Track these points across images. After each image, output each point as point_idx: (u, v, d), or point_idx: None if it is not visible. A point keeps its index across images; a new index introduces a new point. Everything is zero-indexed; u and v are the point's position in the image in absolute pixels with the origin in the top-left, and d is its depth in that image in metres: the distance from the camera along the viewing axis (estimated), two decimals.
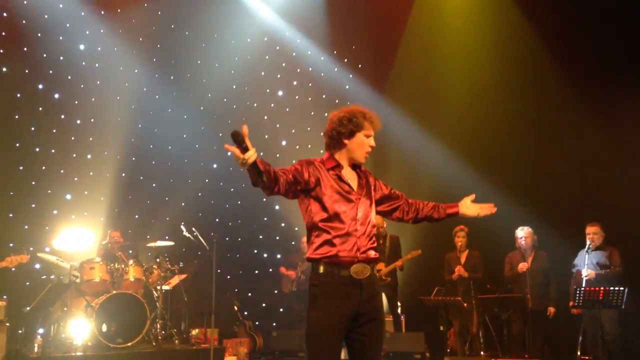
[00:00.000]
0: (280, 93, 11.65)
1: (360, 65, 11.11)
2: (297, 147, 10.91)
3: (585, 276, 6.81)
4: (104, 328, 7.05)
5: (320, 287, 3.09)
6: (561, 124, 8.61)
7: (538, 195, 8.46)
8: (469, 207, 3.55)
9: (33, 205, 9.27)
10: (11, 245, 8.73)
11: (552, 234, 7.69)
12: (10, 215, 9.03)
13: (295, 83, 11.62)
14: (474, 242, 7.96)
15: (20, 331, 7.64)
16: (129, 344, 7.06)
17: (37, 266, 8.71)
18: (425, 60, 9.94)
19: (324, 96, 11.50)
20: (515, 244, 7.50)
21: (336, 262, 3.08)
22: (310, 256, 3.16)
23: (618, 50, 7.99)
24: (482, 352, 7.45)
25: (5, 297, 7.03)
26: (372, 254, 3.18)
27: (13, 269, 6.79)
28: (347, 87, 11.36)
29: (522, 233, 7.41)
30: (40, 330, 6.84)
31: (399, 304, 8.79)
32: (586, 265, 6.88)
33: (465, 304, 7.37)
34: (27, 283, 8.33)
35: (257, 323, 9.67)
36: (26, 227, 8.96)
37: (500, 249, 7.77)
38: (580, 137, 8.42)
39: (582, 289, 6.44)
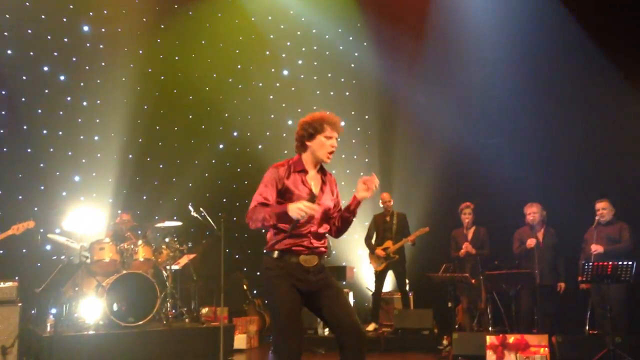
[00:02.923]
0: (285, 72, 11.60)
1: (365, 44, 11.05)
2: None
3: (594, 251, 6.82)
4: (115, 307, 7.13)
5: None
6: (569, 98, 8.56)
7: (547, 171, 8.43)
8: (358, 190, 3.65)
9: (42, 187, 9.31)
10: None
11: (561, 209, 7.68)
12: (20, 197, 9.07)
13: (300, 62, 11.57)
14: (481, 219, 7.97)
15: (32, 311, 7.72)
16: (140, 323, 7.15)
17: (48, 247, 8.78)
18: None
19: (329, 75, 11.45)
20: (524, 220, 7.50)
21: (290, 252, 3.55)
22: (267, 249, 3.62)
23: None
24: (490, 328, 7.49)
25: (17, 278, 7.08)
26: (322, 249, 3.65)
27: (26, 251, 6.84)
28: (352, 65, 11.31)
29: (531, 209, 7.40)
30: (53, 310, 6.91)
31: (407, 281, 8.84)
32: (595, 240, 6.88)
33: (473, 281, 7.40)
34: (38, 264, 8.40)
35: (266, 302, 9.74)
36: (35, 208, 9.00)
37: (508, 225, 7.76)
38: (590, 111, 8.37)
39: (591, 263, 6.45)
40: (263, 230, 3.68)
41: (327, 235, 3.76)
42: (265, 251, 3.64)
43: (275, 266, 3.53)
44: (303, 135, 3.64)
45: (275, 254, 3.55)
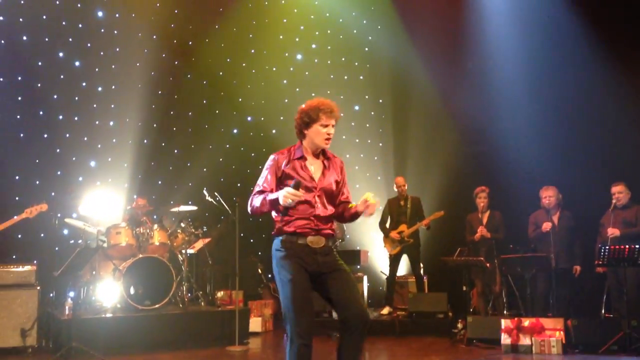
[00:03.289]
0: (299, 57, 11.56)
1: (379, 27, 10.98)
2: None
3: (611, 235, 6.78)
4: (132, 291, 7.22)
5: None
6: (586, 81, 8.46)
7: (564, 154, 8.37)
8: (360, 204, 3.71)
9: (59, 173, 9.39)
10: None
11: (577, 193, 7.63)
12: (37, 182, 9.16)
13: (314, 46, 11.52)
14: (496, 203, 7.93)
15: (51, 294, 7.84)
16: (157, 306, 7.23)
17: (65, 232, 8.88)
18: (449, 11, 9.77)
19: (343, 59, 11.40)
20: (540, 204, 7.46)
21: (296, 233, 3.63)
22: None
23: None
24: (505, 312, 7.49)
25: (35, 261, 7.18)
26: (328, 231, 3.70)
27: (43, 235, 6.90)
28: (366, 49, 11.25)
29: (547, 192, 7.35)
30: (71, 294, 7.00)
31: (421, 265, 8.84)
32: (612, 224, 6.84)
33: (487, 264, 7.39)
34: (57, 248, 8.48)
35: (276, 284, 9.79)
36: (53, 193, 9.10)
37: (523, 208, 7.72)
38: (607, 94, 8.28)
39: (607, 247, 6.42)
40: (273, 215, 3.72)
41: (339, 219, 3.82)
42: (273, 235, 3.72)
43: (282, 248, 3.62)
44: (300, 124, 3.74)
45: (283, 237, 3.63)
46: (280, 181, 3.71)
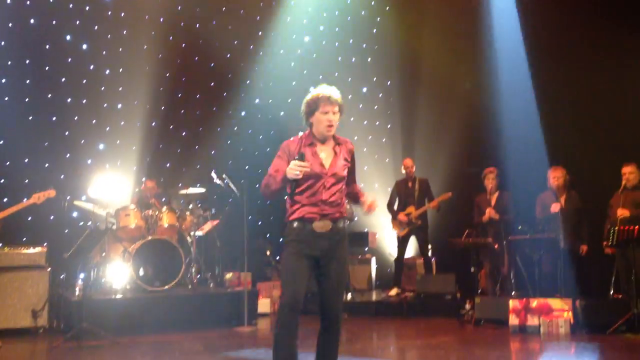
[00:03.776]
0: (306, 39, 11.50)
1: (387, 8, 10.89)
2: None
3: (620, 215, 6.74)
4: (141, 272, 7.28)
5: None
6: (596, 60, 8.37)
7: (572, 134, 8.30)
8: (363, 203, 3.92)
9: (68, 155, 9.42)
10: None
11: (586, 173, 7.59)
12: (47, 165, 9.20)
13: (321, 28, 11.45)
14: (505, 184, 7.90)
15: (61, 276, 7.92)
16: (166, 287, 7.30)
17: (75, 214, 8.93)
18: None
19: (351, 41, 11.33)
20: (547, 184, 7.42)
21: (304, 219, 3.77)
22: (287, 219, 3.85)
23: None
24: (513, 292, 7.49)
25: (45, 243, 7.25)
26: (336, 215, 3.81)
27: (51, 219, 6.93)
28: (374, 30, 11.17)
29: (555, 172, 7.31)
30: (81, 275, 7.06)
31: (429, 246, 8.85)
32: (621, 204, 6.79)
33: (496, 246, 7.37)
34: (66, 230, 8.55)
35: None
36: (62, 176, 9.15)
37: (533, 190, 7.68)
38: (617, 75, 8.19)
39: (616, 228, 6.38)
40: (285, 197, 3.80)
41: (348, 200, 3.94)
42: (286, 222, 3.85)
43: (290, 234, 3.77)
44: (305, 113, 3.86)
45: (294, 223, 3.77)
46: None
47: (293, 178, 3.60)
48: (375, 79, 11.32)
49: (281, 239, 3.89)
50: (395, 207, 8.78)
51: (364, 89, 11.40)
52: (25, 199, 6.27)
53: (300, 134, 3.93)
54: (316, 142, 3.84)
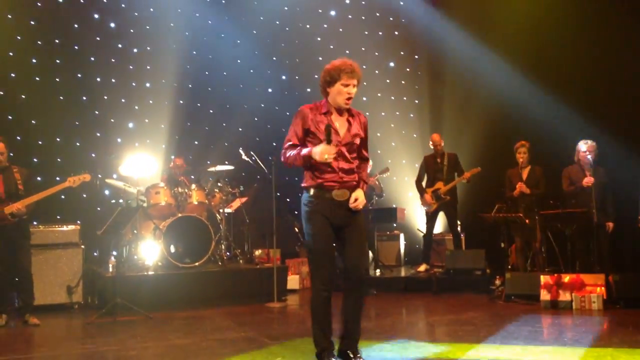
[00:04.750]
0: (332, 13, 11.39)
1: None
2: None
3: None
4: (172, 249, 7.38)
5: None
6: (622, 36, 8.12)
7: (602, 108, 8.10)
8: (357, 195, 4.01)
9: (98, 134, 9.54)
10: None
11: (612, 149, 7.42)
12: (78, 144, 9.33)
13: (347, 2, 11.33)
14: (537, 158, 7.75)
15: (95, 253, 8.08)
16: (197, 264, 7.39)
17: (107, 192, 9.07)
18: None
19: (377, 14, 11.18)
20: (574, 158, 7.26)
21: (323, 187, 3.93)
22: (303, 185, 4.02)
23: None
24: (545, 268, 7.41)
25: (78, 221, 7.38)
26: (353, 183, 3.98)
27: (84, 197, 7.02)
28: (401, 3, 10.99)
29: (586, 147, 7.14)
30: (114, 252, 7.18)
31: (458, 222, 8.79)
32: None
33: (527, 220, 7.28)
34: (98, 208, 8.70)
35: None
36: (93, 155, 9.28)
37: (564, 163, 7.54)
38: None
39: None
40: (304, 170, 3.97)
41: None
42: (303, 187, 4.01)
43: (309, 202, 3.93)
44: (324, 83, 3.93)
45: (311, 191, 3.93)
46: (307, 133, 3.93)
47: (321, 161, 3.74)
48: (402, 53, 11.17)
49: (302, 209, 4.01)
50: (424, 183, 8.71)
51: (391, 64, 11.27)
52: (59, 179, 6.37)
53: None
54: (332, 110, 3.95)
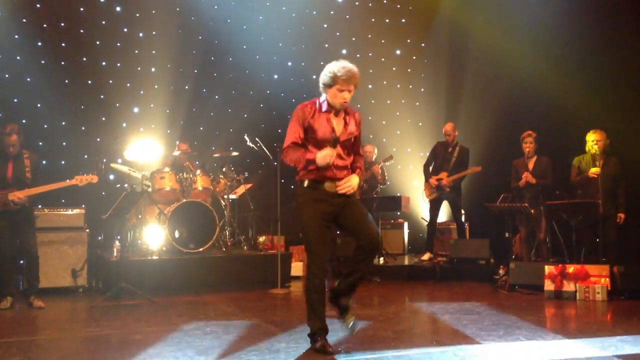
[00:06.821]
0: (339, 0, 11.31)
1: None
2: (358, 55, 10.67)
3: None
4: (177, 234, 7.39)
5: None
6: (635, 25, 8.04)
7: (613, 97, 8.04)
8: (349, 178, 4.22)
9: (103, 119, 9.53)
10: (85, 157, 9.11)
11: (624, 139, 7.37)
12: (83, 128, 9.33)
13: None
14: (544, 148, 7.71)
15: (99, 237, 8.09)
16: (201, 249, 7.40)
17: (111, 177, 9.08)
18: None
19: (384, 1, 11.10)
20: (585, 147, 7.22)
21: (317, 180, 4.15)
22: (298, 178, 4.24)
23: None
24: (550, 259, 7.40)
25: (83, 205, 7.39)
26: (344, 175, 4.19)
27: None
28: None
29: (595, 136, 7.10)
30: (118, 236, 7.19)
31: (462, 212, 8.77)
32: None
33: (532, 211, 7.25)
34: (103, 193, 8.70)
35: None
36: (98, 139, 9.28)
37: (571, 153, 7.50)
38: None
39: None
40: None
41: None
42: (297, 180, 4.22)
43: (303, 193, 4.16)
44: (322, 83, 4.14)
45: (305, 182, 4.15)
46: (306, 131, 4.13)
47: (322, 165, 3.97)
48: (409, 40, 11.10)
49: (297, 199, 4.25)
50: (431, 169, 8.64)
51: (397, 52, 11.20)
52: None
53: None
54: (330, 109, 4.15)
